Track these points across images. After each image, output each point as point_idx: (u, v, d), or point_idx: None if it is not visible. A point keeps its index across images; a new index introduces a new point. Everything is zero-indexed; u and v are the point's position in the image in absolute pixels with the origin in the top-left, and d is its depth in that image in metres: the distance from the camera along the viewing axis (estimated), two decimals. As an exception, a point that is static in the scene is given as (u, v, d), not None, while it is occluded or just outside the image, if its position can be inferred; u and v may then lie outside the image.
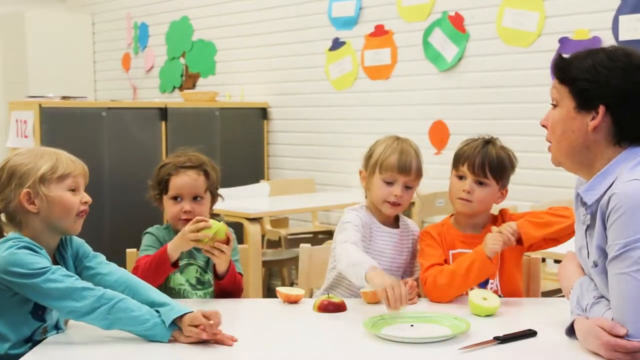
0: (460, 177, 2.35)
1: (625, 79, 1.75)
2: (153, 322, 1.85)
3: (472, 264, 2.23)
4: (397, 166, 2.37)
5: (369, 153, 2.46)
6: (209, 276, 2.39)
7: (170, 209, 2.40)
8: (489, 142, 2.36)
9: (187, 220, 2.31)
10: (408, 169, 2.37)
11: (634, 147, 1.77)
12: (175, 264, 2.28)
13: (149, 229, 2.44)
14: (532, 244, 2.30)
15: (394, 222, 2.49)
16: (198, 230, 2.21)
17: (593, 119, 1.77)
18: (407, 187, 2.40)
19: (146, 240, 2.41)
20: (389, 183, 2.39)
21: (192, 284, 2.37)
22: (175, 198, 2.39)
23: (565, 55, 1.86)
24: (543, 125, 1.90)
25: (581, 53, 1.84)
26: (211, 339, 1.84)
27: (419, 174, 2.41)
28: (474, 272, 2.22)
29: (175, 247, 2.25)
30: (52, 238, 1.98)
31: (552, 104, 1.87)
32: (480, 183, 2.32)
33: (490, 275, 2.30)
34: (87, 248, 2.07)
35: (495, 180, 2.33)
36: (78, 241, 2.07)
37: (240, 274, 2.42)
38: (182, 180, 2.38)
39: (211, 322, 1.84)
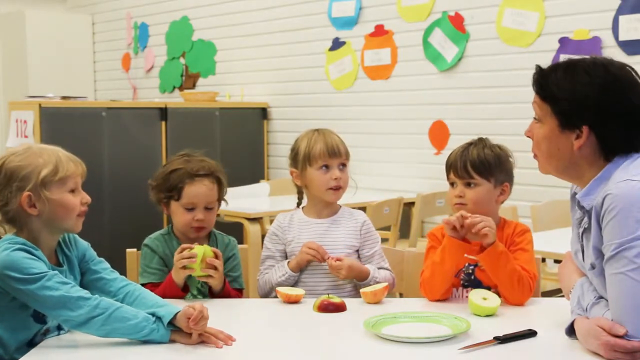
0: (452, 185, 2.36)
1: (605, 96, 1.74)
2: (150, 329, 1.84)
3: (443, 249, 2.25)
4: (326, 151, 2.44)
5: (294, 152, 2.51)
6: None
7: (181, 217, 2.36)
8: (471, 144, 2.35)
9: (199, 228, 2.34)
10: (337, 150, 2.45)
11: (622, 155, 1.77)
12: (185, 288, 2.29)
13: (148, 242, 2.40)
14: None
15: (332, 213, 2.52)
16: (187, 258, 2.22)
17: (577, 137, 1.78)
18: (342, 168, 2.47)
19: (147, 259, 2.37)
20: (326, 169, 2.44)
21: (193, 295, 2.34)
22: (188, 207, 2.35)
23: (543, 68, 1.85)
24: (528, 136, 1.90)
25: (559, 66, 1.83)
26: (209, 333, 1.85)
27: (347, 155, 2.49)
28: (446, 255, 2.24)
29: (177, 277, 2.26)
30: (52, 237, 1.96)
31: (534, 118, 1.88)
32: (469, 184, 2.31)
33: (466, 251, 2.26)
34: (93, 252, 2.07)
35: (485, 178, 2.30)
36: (84, 244, 2.06)
37: (241, 289, 2.42)
38: (199, 190, 2.34)
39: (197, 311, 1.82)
